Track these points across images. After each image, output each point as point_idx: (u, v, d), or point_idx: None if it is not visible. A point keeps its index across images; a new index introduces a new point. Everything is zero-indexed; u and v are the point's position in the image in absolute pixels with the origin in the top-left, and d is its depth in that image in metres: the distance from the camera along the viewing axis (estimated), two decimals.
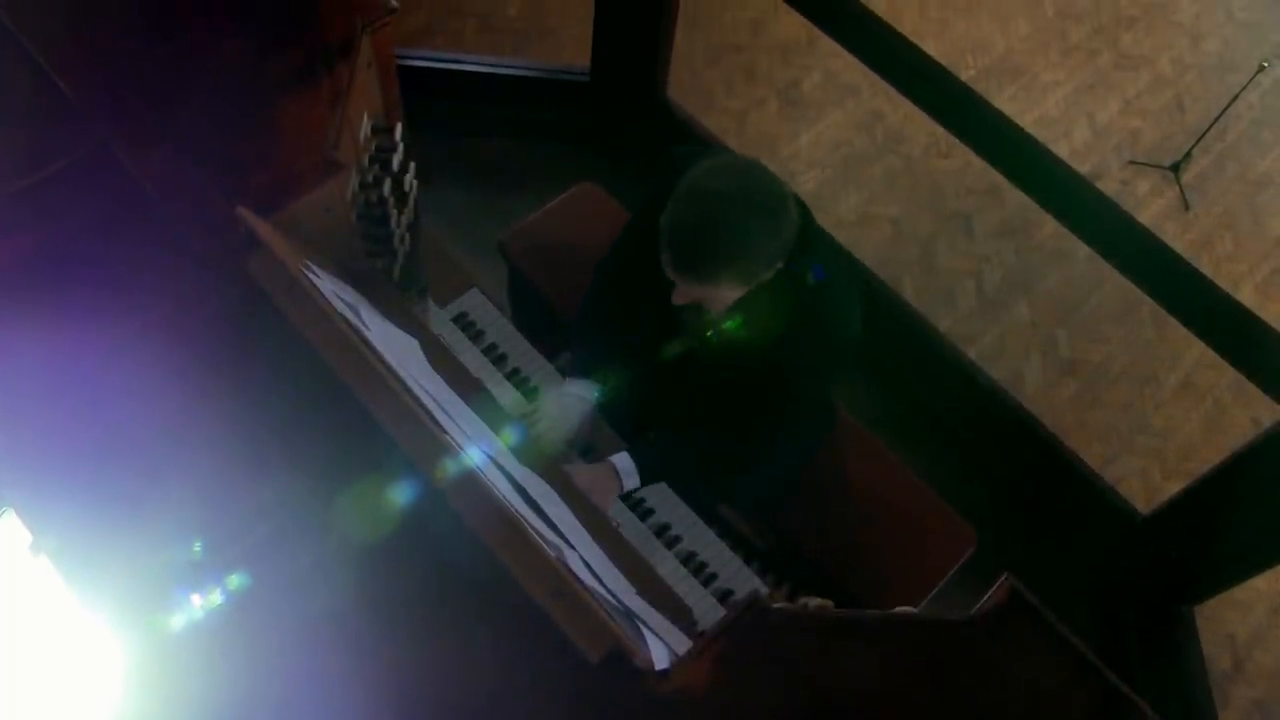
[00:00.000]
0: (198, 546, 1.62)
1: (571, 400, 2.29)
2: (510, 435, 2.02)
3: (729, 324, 2.10)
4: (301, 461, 1.69)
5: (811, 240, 2.04)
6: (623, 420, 2.39)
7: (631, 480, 2.18)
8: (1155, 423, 3.79)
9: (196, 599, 1.59)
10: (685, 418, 2.35)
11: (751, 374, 2.14)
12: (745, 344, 2.11)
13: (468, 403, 1.92)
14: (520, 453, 1.94)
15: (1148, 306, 3.58)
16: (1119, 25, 4.97)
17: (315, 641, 1.62)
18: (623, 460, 2.19)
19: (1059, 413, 3.74)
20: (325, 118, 1.74)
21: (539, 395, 2.35)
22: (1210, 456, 3.59)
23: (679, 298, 2.01)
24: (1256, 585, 3.28)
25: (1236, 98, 4.25)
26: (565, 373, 2.39)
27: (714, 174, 1.90)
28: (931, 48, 4.33)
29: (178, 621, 1.57)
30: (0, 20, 1.76)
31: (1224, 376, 3.81)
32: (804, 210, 2.03)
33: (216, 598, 1.60)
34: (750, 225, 1.87)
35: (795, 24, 4.43)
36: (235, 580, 1.62)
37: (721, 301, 2.01)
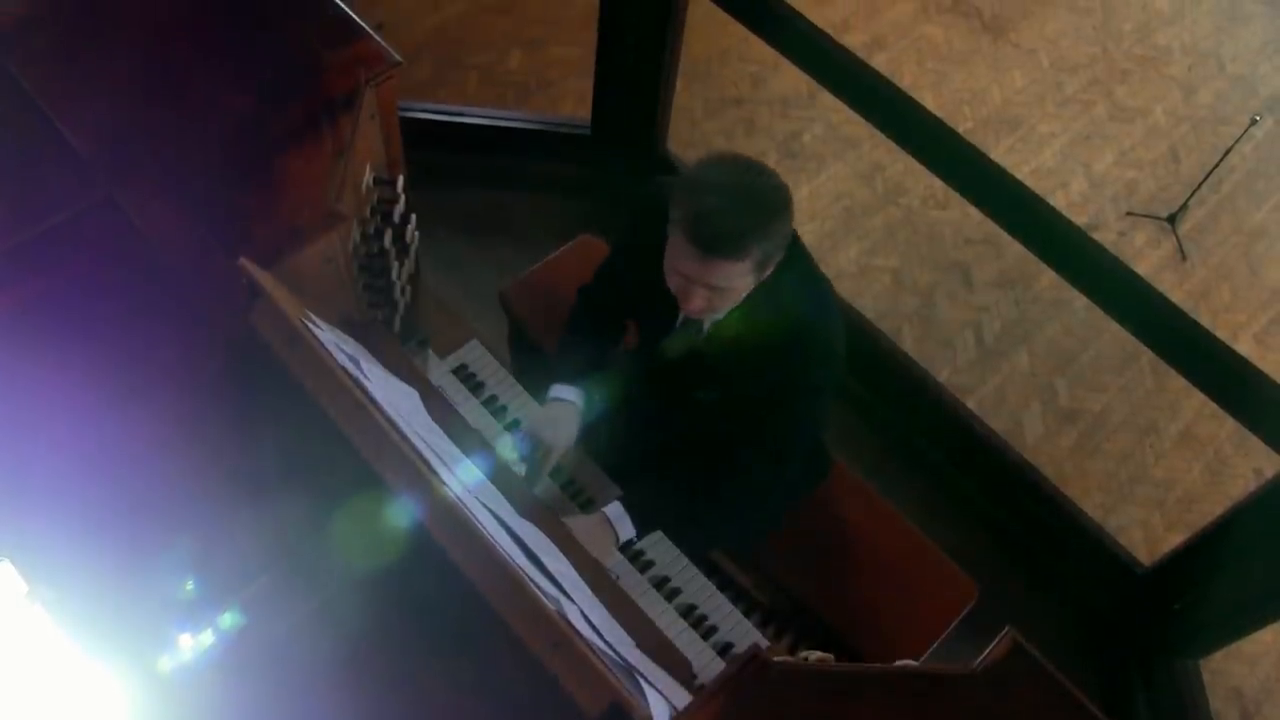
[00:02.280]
0: (190, 585, 1.62)
1: (560, 407, 2.29)
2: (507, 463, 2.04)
3: (724, 332, 2.14)
4: (301, 511, 1.69)
5: (798, 257, 2.12)
6: (610, 453, 2.39)
7: (626, 528, 2.18)
8: (1156, 473, 3.78)
9: (188, 639, 1.58)
10: (674, 447, 2.36)
11: (742, 393, 2.18)
12: (736, 359, 2.14)
13: (467, 454, 1.92)
14: (518, 498, 1.94)
15: (1147, 356, 3.60)
16: (1113, 78, 5.03)
17: (316, 686, 1.61)
18: (614, 509, 2.19)
19: (1059, 463, 3.74)
20: (328, 170, 1.76)
21: (522, 419, 2.37)
22: (1212, 508, 3.58)
23: (693, 303, 2.02)
24: (1263, 638, 3.26)
25: (1230, 150, 4.30)
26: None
27: (722, 161, 1.97)
28: (929, 100, 4.40)
29: (176, 665, 1.56)
30: (8, 73, 1.78)
31: (1225, 427, 3.81)
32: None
33: (209, 637, 1.60)
34: (769, 199, 1.94)
35: (795, 77, 4.48)
36: (228, 619, 1.62)
37: (736, 294, 2.03)
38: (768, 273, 2.03)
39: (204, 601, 1.61)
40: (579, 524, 2.15)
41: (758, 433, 2.23)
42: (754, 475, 2.27)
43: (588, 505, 2.30)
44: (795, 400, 2.20)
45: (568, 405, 2.30)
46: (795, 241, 2.10)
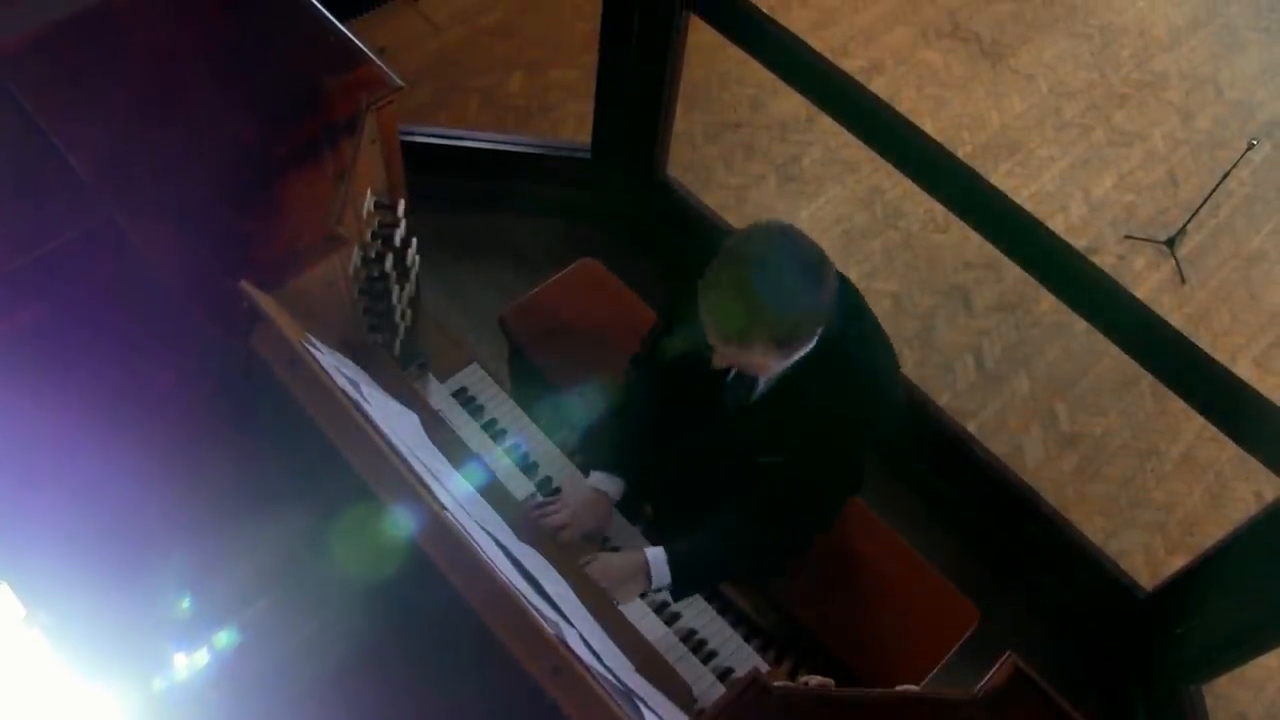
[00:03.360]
0: (186, 603, 1.61)
1: (594, 495, 2.28)
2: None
3: (778, 391, 2.10)
4: (300, 533, 1.69)
5: (853, 308, 2.06)
6: (629, 500, 2.37)
7: (661, 577, 2.15)
8: (1157, 496, 3.78)
9: (182, 658, 1.58)
10: (717, 496, 2.34)
11: (798, 445, 2.13)
12: (787, 418, 2.11)
13: (466, 478, 1.92)
14: (517, 522, 1.93)
15: (1147, 380, 3.60)
16: (1111, 102, 5.06)
17: (312, 707, 1.60)
18: (656, 555, 2.15)
19: (1060, 487, 3.73)
20: (329, 193, 1.76)
21: (561, 486, 2.35)
22: (1213, 531, 3.57)
23: (719, 360, 2.00)
24: (1268, 663, 3.24)
25: (1228, 174, 4.31)
26: (584, 467, 2.36)
27: (750, 238, 1.92)
28: (928, 125, 4.42)
29: (171, 684, 1.55)
30: (10, 95, 1.79)
31: (1225, 450, 3.81)
32: (843, 279, 2.04)
33: (204, 656, 1.59)
34: (785, 287, 1.87)
35: (794, 101, 4.50)
36: (224, 639, 1.61)
37: (763, 368, 2.02)
38: (808, 344, 1.99)
39: (200, 620, 1.61)
40: (612, 559, 2.15)
41: (810, 492, 2.19)
42: (801, 531, 2.26)
43: (602, 545, 2.29)
44: (849, 458, 2.21)
45: (606, 497, 2.29)
46: (849, 296, 2.06)
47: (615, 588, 2.12)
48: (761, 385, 2.14)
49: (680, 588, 2.18)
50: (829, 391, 2.03)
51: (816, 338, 1.99)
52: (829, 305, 1.94)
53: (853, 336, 2.05)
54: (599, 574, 2.11)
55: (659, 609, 2.20)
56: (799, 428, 2.10)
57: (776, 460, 2.19)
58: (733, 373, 2.17)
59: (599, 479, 2.30)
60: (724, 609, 2.30)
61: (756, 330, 1.88)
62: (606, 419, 2.44)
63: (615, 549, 2.27)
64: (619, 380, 2.48)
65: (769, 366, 2.02)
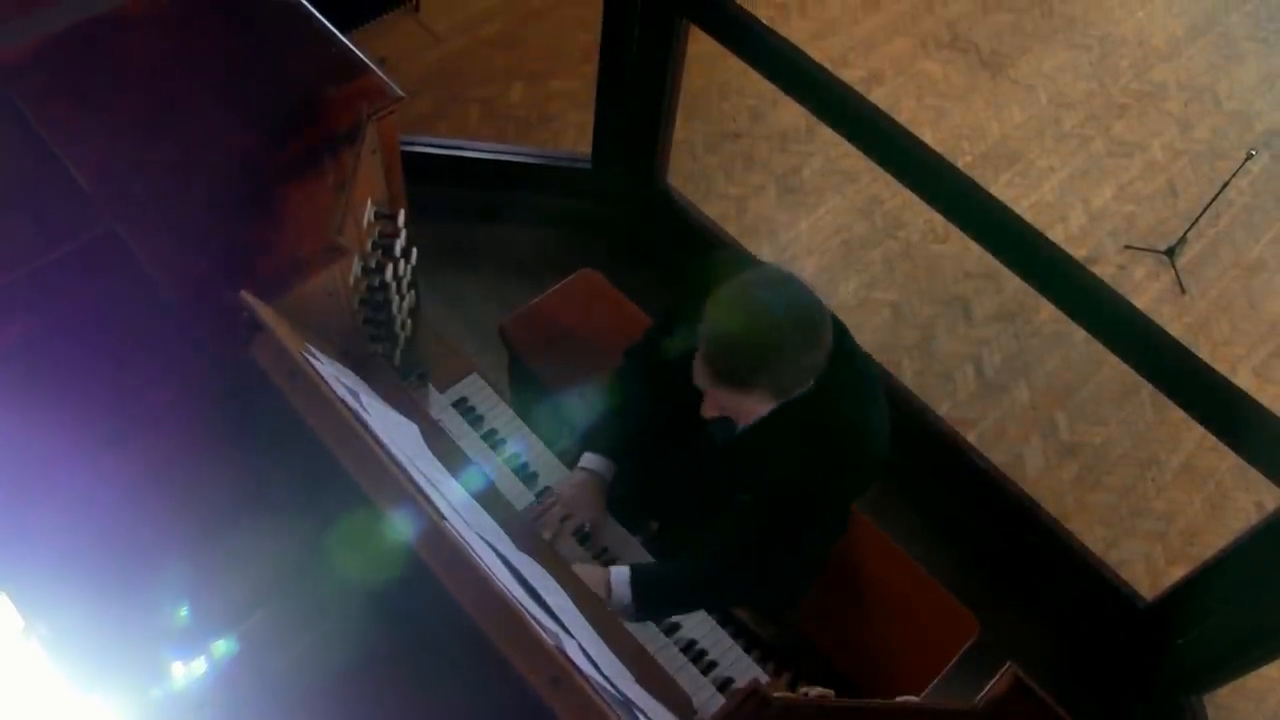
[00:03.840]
0: (184, 611, 1.61)
1: (588, 478, 2.28)
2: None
3: (761, 430, 2.06)
4: (300, 543, 1.69)
5: (845, 358, 2.03)
6: (632, 513, 2.37)
7: (622, 597, 2.11)
8: (1157, 506, 3.78)
9: (180, 667, 1.57)
10: (698, 521, 2.33)
11: (773, 488, 2.10)
12: (768, 459, 2.08)
13: (466, 488, 1.91)
14: (517, 532, 1.93)
15: (1147, 389, 3.59)
16: (1110, 113, 5.07)
17: (312, 715, 1.60)
18: (619, 575, 2.13)
19: (1060, 496, 3.73)
20: (329, 204, 1.77)
21: (555, 483, 2.35)
22: (1214, 540, 3.57)
23: (708, 409, 1.98)
24: (1270, 674, 3.24)
25: (1227, 184, 4.32)
26: (570, 459, 2.37)
27: (754, 285, 1.89)
28: (928, 135, 4.42)
29: (171, 694, 1.55)
30: (13, 106, 1.79)
31: (1225, 460, 3.81)
32: (840, 327, 2.02)
33: (201, 665, 1.59)
34: (787, 337, 1.85)
35: (794, 112, 4.52)
36: (221, 647, 1.61)
37: (751, 414, 1.99)
38: (793, 395, 1.96)
39: (198, 629, 1.60)
40: (582, 571, 2.14)
41: (783, 537, 2.14)
42: (773, 576, 2.20)
43: (585, 538, 2.29)
44: (829, 508, 2.17)
45: (596, 478, 2.29)
46: (845, 343, 2.04)
47: None
48: (740, 426, 2.10)
49: (641, 611, 2.14)
50: (810, 440, 2.02)
51: (806, 388, 1.97)
52: (826, 355, 1.93)
53: (840, 384, 2.02)
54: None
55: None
56: (776, 471, 2.07)
57: (745, 498, 2.19)
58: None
59: (589, 459, 2.30)
60: (724, 620, 2.30)
61: (758, 376, 1.86)
62: (599, 408, 2.44)
63: (613, 560, 2.27)
64: (614, 377, 2.47)
65: (756, 414, 1.99)
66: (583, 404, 2.54)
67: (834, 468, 2.04)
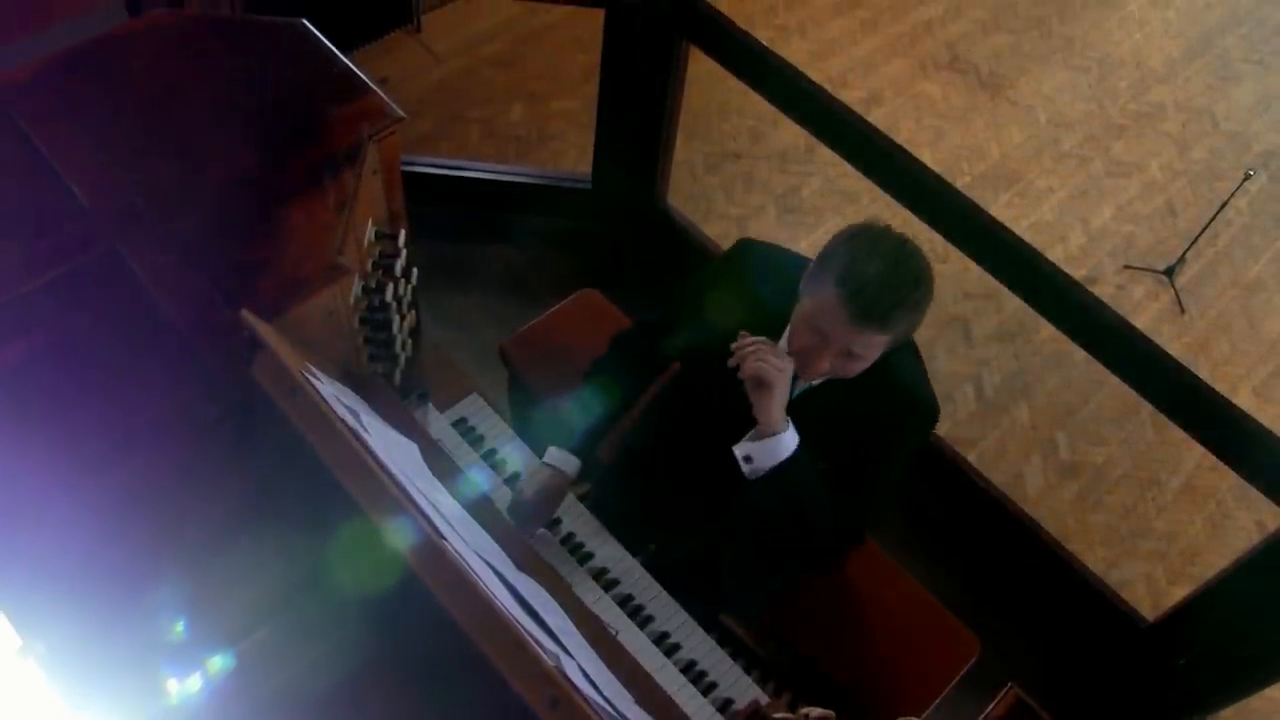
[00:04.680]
0: (180, 627, 1.60)
1: (551, 476, 2.26)
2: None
3: (820, 396, 2.10)
4: (299, 563, 1.68)
5: None
6: (634, 532, 2.35)
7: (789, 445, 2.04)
8: (1158, 526, 3.77)
9: (174, 684, 1.56)
10: (707, 532, 2.33)
11: (832, 464, 2.10)
12: (830, 426, 2.08)
13: (465, 508, 1.91)
14: (516, 552, 1.93)
15: (1147, 409, 3.59)
16: (1109, 134, 5.09)
17: None
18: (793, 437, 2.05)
19: (1060, 516, 3.72)
20: (330, 223, 1.77)
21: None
22: (1215, 560, 3.56)
23: (817, 364, 1.97)
24: (1273, 695, 3.22)
25: (1225, 204, 4.33)
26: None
27: (888, 233, 1.95)
28: (927, 156, 4.44)
29: (165, 710, 1.54)
30: (16, 125, 1.80)
31: (1226, 479, 3.80)
32: None
33: (196, 682, 1.58)
34: (925, 282, 1.94)
35: (794, 132, 4.53)
36: (217, 663, 1.60)
37: (864, 363, 2.00)
38: (897, 346, 2.01)
39: (194, 645, 1.60)
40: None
41: (848, 500, 2.13)
42: (822, 550, 2.24)
43: (586, 559, 2.28)
44: (887, 472, 2.16)
45: (558, 475, 2.27)
46: None
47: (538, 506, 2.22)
48: (799, 389, 2.10)
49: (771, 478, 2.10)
50: (873, 402, 2.07)
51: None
52: None
53: (898, 350, 2.07)
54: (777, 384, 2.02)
55: (659, 640, 2.19)
56: (837, 441, 2.08)
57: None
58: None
59: (554, 455, 2.29)
60: (724, 640, 2.29)
61: (897, 316, 1.90)
62: (568, 400, 2.43)
63: (608, 574, 2.26)
64: (599, 365, 2.47)
65: (861, 364, 2.00)
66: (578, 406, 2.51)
67: (897, 428, 2.11)
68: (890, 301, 1.88)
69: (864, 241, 1.92)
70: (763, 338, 2.00)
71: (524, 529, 2.22)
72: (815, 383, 2.11)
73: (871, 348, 1.96)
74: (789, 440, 2.03)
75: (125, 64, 1.92)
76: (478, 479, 2.24)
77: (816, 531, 2.15)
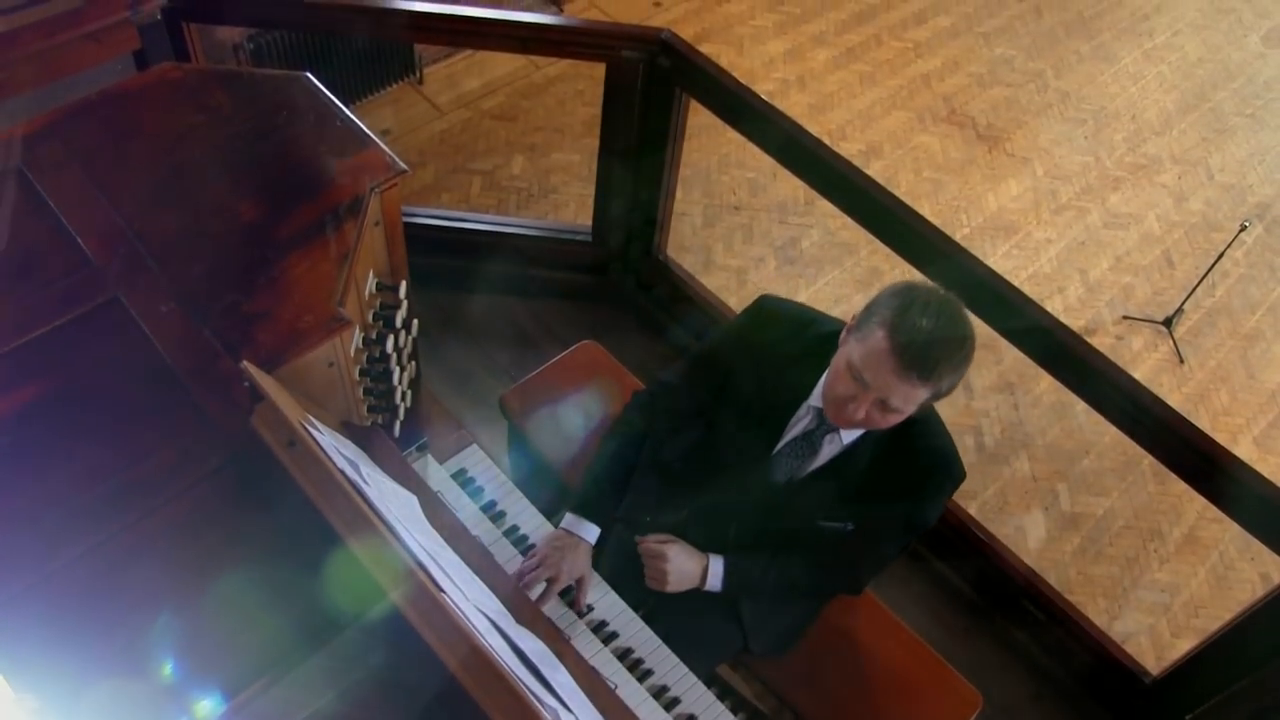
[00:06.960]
0: (168, 668, 1.59)
1: (570, 540, 2.26)
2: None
3: (865, 449, 2.18)
4: (297, 617, 1.67)
5: None
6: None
7: (713, 586, 2.31)
8: (1161, 578, 3.75)
9: None
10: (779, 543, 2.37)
11: (862, 509, 2.22)
12: (853, 481, 2.19)
13: (466, 561, 1.90)
14: (516, 605, 1.92)
15: (1148, 460, 3.58)
16: (1106, 186, 5.13)
17: None
18: (717, 566, 2.31)
19: (1062, 568, 3.70)
20: (332, 275, 1.78)
21: (537, 544, 2.33)
22: (1220, 612, 3.54)
23: (854, 412, 2.01)
24: None
25: (1222, 255, 4.36)
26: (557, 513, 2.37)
27: (940, 291, 2.00)
28: (926, 208, 4.47)
29: None
30: (23, 176, 1.82)
31: (1229, 530, 3.79)
32: None
33: None
34: (970, 341, 1.97)
35: (793, 185, 4.57)
36: (204, 708, 1.58)
37: (901, 416, 2.04)
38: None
39: (190, 694, 1.58)
40: (683, 552, 2.30)
41: (872, 550, 2.31)
42: (858, 579, 2.40)
43: (599, 628, 2.26)
44: (915, 522, 2.25)
45: (580, 542, 2.28)
46: None
47: (670, 577, 2.27)
48: (823, 456, 2.19)
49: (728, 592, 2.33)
50: (903, 462, 2.15)
51: None
52: None
53: (925, 411, 2.14)
54: (671, 561, 2.28)
55: (658, 693, 2.17)
56: (870, 493, 2.18)
57: (839, 525, 2.26)
58: (783, 442, 2.20)
59: (572, 522, 2.30)
60: (724, 694, 2.27)
61: (943, 371, 1.94)
62: (592, 463, 2.45)
63: (607, 627, 2.24)
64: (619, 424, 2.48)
65: (895, 418, 2.04)
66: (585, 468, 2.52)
67: (924, 488, 2.18)
68: (938, 355, 1.92)
69: (917, 295, 1.97)
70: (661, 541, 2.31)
71: (546, 593, 2.23)
72: (846, 442, 2.17)
73: (910, 401, 1.99)
74: (714, 580, 2.31)
75: (133, 116, 1.94)
76: (477, 531, 2.23)
77: (824, 591, 2.37)
